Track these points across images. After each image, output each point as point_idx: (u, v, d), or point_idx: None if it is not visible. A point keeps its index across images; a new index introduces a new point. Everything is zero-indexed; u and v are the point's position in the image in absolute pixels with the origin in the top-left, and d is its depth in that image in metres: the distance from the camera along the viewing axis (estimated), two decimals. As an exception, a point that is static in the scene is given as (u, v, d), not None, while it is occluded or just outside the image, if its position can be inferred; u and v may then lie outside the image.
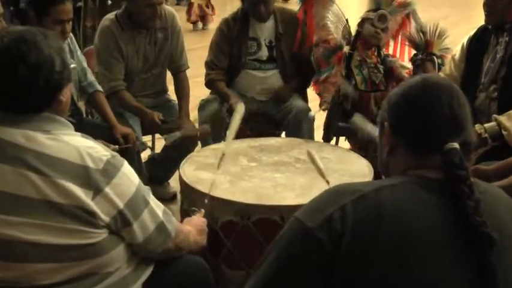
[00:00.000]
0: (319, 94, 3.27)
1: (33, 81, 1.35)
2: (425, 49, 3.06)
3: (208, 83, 3.38)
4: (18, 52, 1.34)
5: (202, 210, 2.00)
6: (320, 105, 3.13)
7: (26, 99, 1.37)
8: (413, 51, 3.13)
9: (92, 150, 1.40)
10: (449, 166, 1.08)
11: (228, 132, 2.53)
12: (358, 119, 2.68)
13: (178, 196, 3.15)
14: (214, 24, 7.83)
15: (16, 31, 1.39)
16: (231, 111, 3.11)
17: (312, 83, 3.36)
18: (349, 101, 3.13)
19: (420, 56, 3.04)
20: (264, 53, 3.32)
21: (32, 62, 1.35)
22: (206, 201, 2.04)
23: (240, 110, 2.67)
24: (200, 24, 8.83)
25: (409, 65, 3.14)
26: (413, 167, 1.14)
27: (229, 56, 3.32)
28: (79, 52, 3.01)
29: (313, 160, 2.32)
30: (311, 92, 3.46)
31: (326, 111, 3.17)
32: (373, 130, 2.50)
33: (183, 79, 3.31)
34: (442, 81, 1.18)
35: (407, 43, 3.19)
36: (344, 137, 3.30)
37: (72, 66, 2.72)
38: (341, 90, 3.13)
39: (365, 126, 2.60)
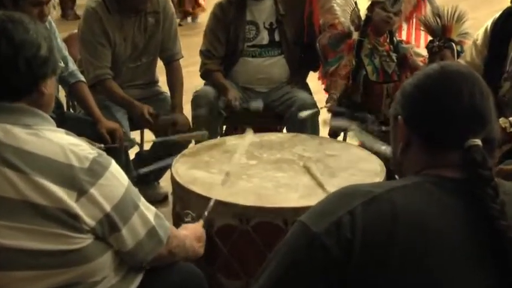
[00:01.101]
0: (326, 90, 3.27)
1: (14, 60, 1.38)
2: (443, 34, 3.05)
3: (204, 74, 3.38)
4: (2, 29, 1.38)
5: (201, 222, 1.95)
6: (326, 102, 3.14)
7: (6, 79, 1.39)
8: (429, 37, 3.13)
9: (76, 147, 1.40)
10: (470, 165, 1.08)
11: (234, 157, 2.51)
12: (357, 134, 2.69)
13: (170, 198, 3.15)
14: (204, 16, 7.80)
15: (6, 13, 1.43)
16: (228, 108, 3.12)
17: (318, 76, 3.37)
18: (359, 93, 3.14)
19: (437, 42, 3.04)
20: (264, 37, 3.32)
21: (15, 40, 1.38)
22: (211, 204, 2.02)
23: (247, 136, 2.67)
24: (189, 19, 8.87)
25: (425, 53, 3.14)
26: (429, 166, 1.14)
27: (226, 43, 3.32)
28: (59, 39, 3.01)
29: (309, 171, 2.32)
30: (316, 83, 3.47)
31: (331, 108, 3.16)
32: (378, 147, 2.51)
33: (177, 69, 3.32)
34: (463, 69, 1.17)
35: (422, 28, 3.19)
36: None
37: None
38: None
39: (368, 142, 2.60)
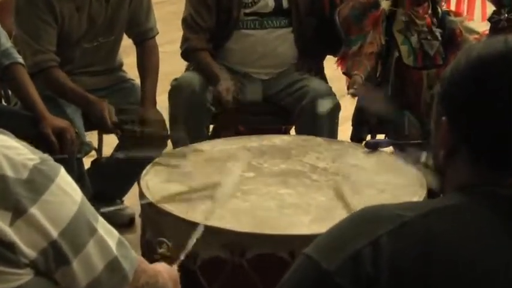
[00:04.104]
0: (346, 73, 3.28)
1: None
2: None
3: (187, 53, 3.40)
4: None
5: (186, 248, 1.98)
6: (348, 88, 3.15)
7: None
8: (493, 7, 3.14)
9: (11, 151, 1.39)
10: None
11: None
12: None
13: (138, 221, 3.15)
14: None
15: None
16: (218, 103, 3.11)
17: (338, 59, 3.38)
18: (389, 83, 3.15)
19: (505, 14, 3.04)
20: (267, 2, 3.34)
21: None
22: (199, 232, 1.99)
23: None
24: None
25: (482, 28, 3.15)
26: (481, 181, 1.13)
27: (217, 11, 3.34)
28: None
29: (342, 197, 2.31)
30: (331, 69, 3.47)
31: (356, 97, 3.18)
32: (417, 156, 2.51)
33: (151, 50, 3.35)
34: None
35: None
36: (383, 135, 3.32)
37: None
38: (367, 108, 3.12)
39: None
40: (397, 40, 3.15)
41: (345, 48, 3.27)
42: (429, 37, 3.16)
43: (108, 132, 3.17)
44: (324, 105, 3.07)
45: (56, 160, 2.77)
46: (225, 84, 3.22)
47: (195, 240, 1.99)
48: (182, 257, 1.94)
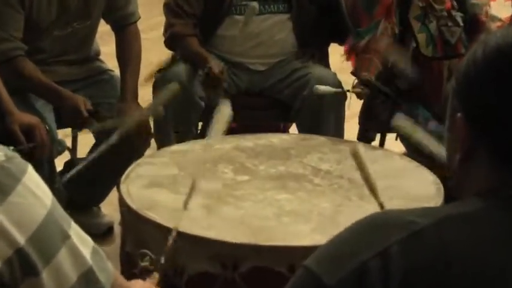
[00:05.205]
0: (354, 74, 3.29)
1: None
2: None
3: (171, 41, 3.42)
4: None
5: (156, 276, 1.95)
6: (354, 87, 3.16)
7: None
8: None
9: (-29, 147, 1.40)
10: None
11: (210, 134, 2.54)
12: (405, 124, 2.69)
13: (117, 230, 3.15)
14: None
15: None
16: (209, 80, 3.08)
17: (346, 51, 3.39)
18: (406, 76, 3.15)
19: None
20: None
21: None
22: (170, 240, 2.02)
23: (223, 111, 2.68)
24: None
25: (508, 11, 3.16)
26: (501, 185, 1.13)
27: None
28: None
29: (360, 165, 2.25)
30: (337, 58, 3.48)
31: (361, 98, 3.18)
32: (436, 149, 2.51)
33: (132, 37, 3.35)
34: None
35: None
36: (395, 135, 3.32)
37: None
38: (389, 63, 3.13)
39: (421, 138, 2.60)
40: (413, 28, 3.15)
41: (353, 41, 3.27)
42: (449, 23, 3.16)
43: (84, 125, 3.15)
44: (322, 88, 3.05)
45: (24, 154, 2.77)
46: (215, 62, 3.22)
47: (169, 247, 2.00)
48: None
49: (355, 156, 2.25)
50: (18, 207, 1.41)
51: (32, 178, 1.45)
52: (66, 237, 1.48)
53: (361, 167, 2.22)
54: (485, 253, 1.07)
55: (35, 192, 1.44)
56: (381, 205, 2.14)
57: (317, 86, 3.05)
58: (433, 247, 1.06)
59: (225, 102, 2.80)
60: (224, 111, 2.71)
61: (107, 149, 2.94)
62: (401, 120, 2.68)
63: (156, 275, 1.93)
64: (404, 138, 2.94)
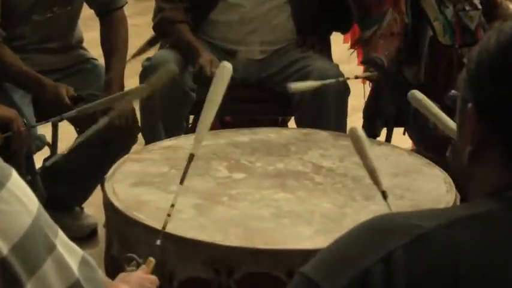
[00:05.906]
0: (362, 62, 3.29)
1: None
2: None
3: (161, 27, 3.42)
4: None
5: (152, 260, 1.99)
6: (365, 71, 3.16)
7: None
8: None
9: None
10: None
11: (200, 119, 2.52)
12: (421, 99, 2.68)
13: (101, 233, 3.15)
14: None
15: None
16: (201, 79, 3.09)
17: (350, 42, 3.40)
18: (419, 66, 3.14)
19: None
20: None
21: None
22: (158, 242, 2.03)
23: (223, 74, 2.64)
24: None
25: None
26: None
27: None
28: None
29: (357, 143, 2.24)
30: (339, 47, 3.47)
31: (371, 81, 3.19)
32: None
33: (118, 22, 3.35)
34: None
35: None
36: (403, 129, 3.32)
37: None
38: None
39: (436, 113, 2.60)
40: (429, 16, 3.13)
41: (363, 31, 3.26)
42: (467, 7, 3.15)
43: (62, 112, 3.12)
44: (296, 86, 3.02)
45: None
46: (207, 56, 3.22)
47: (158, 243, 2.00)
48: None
49: (354, 138, 2.25)
50: (2, 215, 1.40)
51: (16, 183, 1.44)
52: (51, 247, 1.48)
53: (359, 148, 2.22)
54: (501, 258, 1.07)
55: (20, 198, 1.44)
56: (383, 193, 2.14)
57: (289, 84, 3.00)
58: (440, 251, 1.07)
59: (226, 65, 2.67)
60: (223, 73, 2.59)
61: (93, 137, 2.92)
62: (418, 93, 2.67)
63: (151, 260, 1.94)
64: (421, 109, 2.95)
